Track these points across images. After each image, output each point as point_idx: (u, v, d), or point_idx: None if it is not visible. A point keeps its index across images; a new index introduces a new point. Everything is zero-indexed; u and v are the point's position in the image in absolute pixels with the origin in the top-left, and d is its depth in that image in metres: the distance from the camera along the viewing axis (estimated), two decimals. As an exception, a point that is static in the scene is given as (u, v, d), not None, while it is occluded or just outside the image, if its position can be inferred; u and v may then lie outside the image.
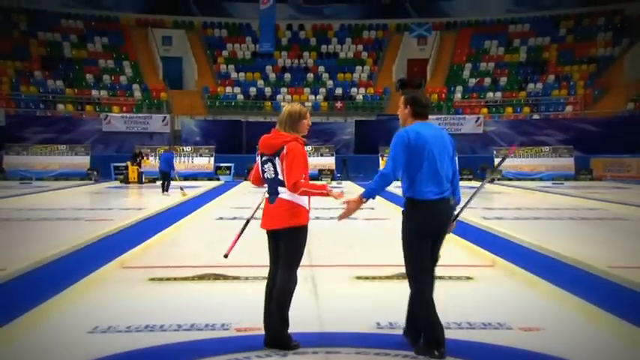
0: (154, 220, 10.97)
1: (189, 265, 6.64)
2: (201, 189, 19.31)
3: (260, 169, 4.02)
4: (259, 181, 4.10)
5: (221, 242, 8.49)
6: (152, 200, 16.47)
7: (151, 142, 29.56)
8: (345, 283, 5.78)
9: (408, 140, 3.68)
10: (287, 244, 3.89)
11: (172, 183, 18.28)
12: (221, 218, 11.45)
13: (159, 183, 23.91)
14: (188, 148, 27.62)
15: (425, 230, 3.70)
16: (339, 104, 33.57)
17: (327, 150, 28.09)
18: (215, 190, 19.76)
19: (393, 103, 33.03)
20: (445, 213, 3.73)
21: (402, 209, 3.87)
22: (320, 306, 4.91)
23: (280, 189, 3.90)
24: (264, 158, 3.98)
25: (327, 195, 3.91)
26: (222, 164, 27.61)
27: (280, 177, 3.87)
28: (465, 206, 3.92)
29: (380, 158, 26.94)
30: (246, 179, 25.63)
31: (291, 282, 3.88)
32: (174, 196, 16.69)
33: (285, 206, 3.86)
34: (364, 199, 3.74)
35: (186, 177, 19.32)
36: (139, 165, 23.83)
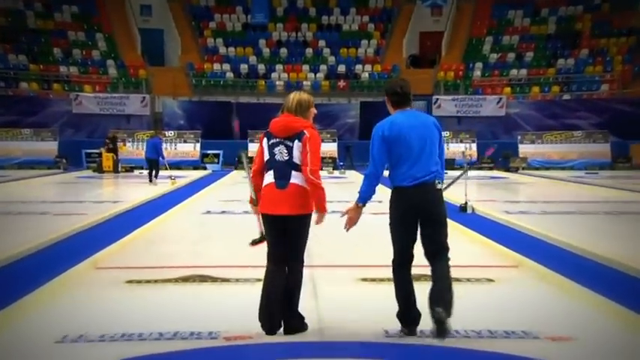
0: (132, 215, 10.97)
1: (171, 265, 6.64)
2: (185, 179, 19.31)
3: (267, 152, 4.40)
4: (262, 173, 4.46)
5: (208, 240, 8.51)
6: (130, 192, 16.46)
7: (128, 125, 29.54)
8: (349, 286, 5.77)
9: (382, 133, 4.22)
10: (299, 232, 4.32)
11: (161, 172, 18.41)
12: (208, 212, 11.46)
13: (138, 172, 24.07)
14: (170, 133, 27.62)
15: (404, 217, 4.22)
16: (342, 83, 33.52)
17: (329, 135, 28.08)
18: (201, 181, 19.77)
19: (403, 82, 32.91)
20: (424, 197, 4.19)
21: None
22: (320, 311, 4.91)
23: (294, 173, 4.30)
24: (274, 141, 4.38)
25: (325, 211, 4.40)
26: (209, 151, 27.63)
27: (295, 160, 4.30)
28: (446, 187, 4.55)
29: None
30: (237, 168, 25.64)
31: (301, 273, 4.38)
32: (160, 187, 16.70)
33: (299, 192, 4.29)
34: (360, 205, 4.34)
35: (169, 166, 19.48)
36: (114, 152, 23.84)
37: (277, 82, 33.48)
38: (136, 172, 24.54)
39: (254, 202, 4.57)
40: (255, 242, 4.68)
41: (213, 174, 23.85)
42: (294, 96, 4.51)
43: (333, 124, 30.39)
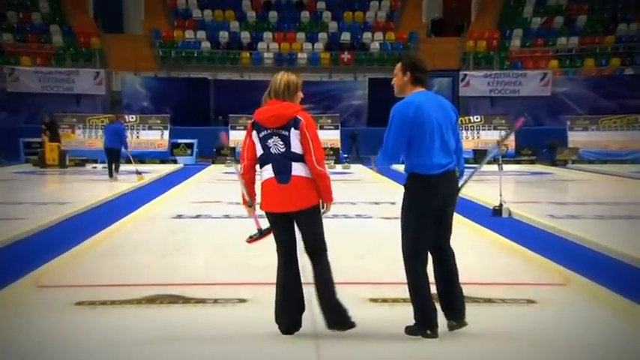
0: (84, 220, 10.98)
1: (133, 282, 6.65)
2: (151, 176, 19.33)
3: (260, 145, 4.86)
4: (253, 169, 4.96)
5: (179, 251, 8.53)
6: (80, 191, 16.46)
7: (77, 108, 29.62)
8: (355, 308, 5.79)
9: (407, 115, 4.67)
10: (312, 224, 4.87)
11: (125, 166, 18.70)
12: (179, 217, 11.49)
13: (91, 167, 24.06)
14: (132, 118, 27.69)
15: (428, 208, 4.74)
16: (346, 56, 33.58)
17: (330, 121, 28.17)
18: (171, 178, 19.80)
19: (422, 54, 32.96)
20: (449, 187, 4.81)
21: (404, 183, 4.88)
22: (319, 340, 4.92)
23: (294, 165, 4.79)
24: (265, 132, 4.83)
25: (331, 200, 4.95)
26: (180, 140, 27.68)
27: (295, 150, 4.78)
28: (466, 182, 5.09)
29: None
30: (215, 161, 25.63)
31: (328, 261, 4.94)
32: (121, 184, 16.73)
33: (303, 184, 4.80)
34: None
35: (127, 159, 19.53)
36: (56, 141, 23.83)
37: (265, 55, 33.52)
38: (89, 166, 24.56)
39: (248, 203, 5.05)
40: (252, 238, 5.14)
41: (186, 169, 23.87)
42: (281, 77, 4.89)
43: (335, 106, 30.48)
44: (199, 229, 10.47)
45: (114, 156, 18.58)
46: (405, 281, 4.92)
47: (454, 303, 4.89)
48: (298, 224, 4.91)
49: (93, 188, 16.44)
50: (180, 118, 28.83)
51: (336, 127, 28.14)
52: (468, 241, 9.04)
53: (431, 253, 4.89)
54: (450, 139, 4.81)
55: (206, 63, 33.42)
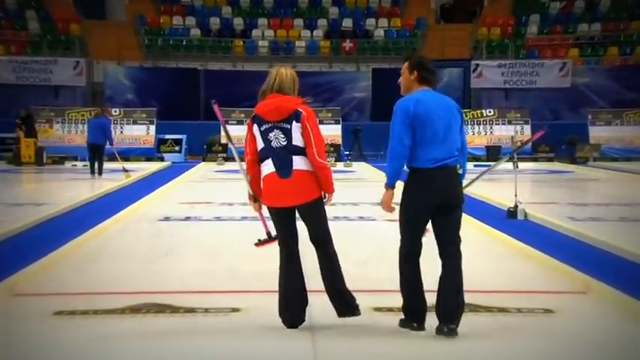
0: (63, 222, 10.99)
1: (116, 290, 6.66)
2: (136, 174, 19.33)
3: (261, 139, 5.28)
4: (257, 163, 5.36)
5: (167, 256, 8.53)
6: (59, 191, 16.45)
7: (55, 100, 29.59)
8: (358, 318, 5.79)
9: (408, 109, 5.13)
10: (316, 217, 5.33)
11: (109, 164, 18.69)
12: (167, 219, 11.50)
13: (71, 165, 24.04)
14: (115, 112, 27.65)
15: (423, 201, 5.13)
16: (348, 44, 33.59)
17: (330, 115, 28.15)
18: (157, 177, 19.80)
19: (431, 42, 33.02)
20: (446, 181, 5.14)
21: (404, 179, 5.29)
22: (318, 354, 4.94)
23: (295, 159, 5.21)
24: (266, 126, 5.25)
25: (333, 191, 5.37)
26: (167, 136, 27.67)
27: (296, 143, 5.21)
28: (473, 181, 5.72)
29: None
30: (205, 159, 25.64)
31: (334, 251, 5.39)
32: (104, 183, 16.73)
33: (305, 178, 5.24)
34: (390, 187, 5.21)
35: (111, 156, 19.56)
36: (33, 135, 23.83)
37: (260, 43, 33.52)
38: (68, 163, 24.57)
39: (254, 199, 5.47)
40: (261, 242, 5.59)
41: (174, 167, 23.87)
42: (278, 71, 5.35)
43: (335, 99, 30.44)
44: (188, 232, 10.48)
45: (97, 153, 18.60)
46: (425, 288, 5.16)
47: (449, 310, 5.12)
48: (302, 217, 5.34)
49: (73, 188, 16.43)
50: (168, 111, 28.82)
51: (337, 122, 28.03)
52: (480, 245, 9.04)
53: (439, 255, 5.24)
54: (452, 138, 5.23)
55: (196, 52, 33.40)
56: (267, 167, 5.29)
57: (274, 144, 5.25)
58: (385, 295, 6.29)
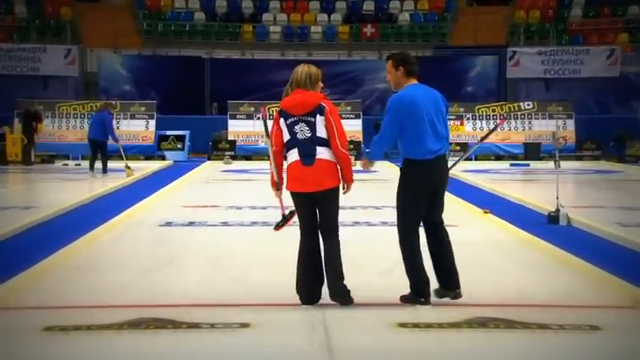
0: (53, 228, 11.00)
1: (112, 303, 6.66)
2: (134, 175, 19.35)
3: (287, 131, 6.38)
4: (282, 154, 6.49)
5: (169, 265, 8.55)
6: (49, 192, 16.43)
7: (44, 93, 29.66)
8: (380, 335, 5.79)
9: (403, 104, 6.29)
10: (330, 205, 6.39)
11: (114, 163, 18.85)
12: (168, 224, 11.51)
13: (62, 164, 24.09)
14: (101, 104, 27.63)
15: (422, 190, 6.33)
16: (369, 30, 33.52)
17: (350, 108, 28.08)
18: (158, 177, 19.81)
19: (462, 27, 32.91)
20: (441, 170, 6.41)
21: (400, 166, 6.49)
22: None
23: (319, 149, 6.32)
24: (292, 119, 6.37)
25: (352, 181, 6.48)
26: (169, 132, 27.67)
27: (320, 135, 6.32)
28: (454, 164, 6.97)
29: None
30: (211, 157, 25.64)
31: (339, 239, 6.45)
32: (106, 182, 16.74)
33: (326, 166, 6.35)
34: (371, 161, 6.94)
35: (112, 154, 19.76)
36: (33, 132, 23.97)
37: (271, 29, 33.51)
38: (59, 162, 24.65)
39: (277, 186, 6.50)
40: (279, 226, 6.65)
41: (176, 166, 23.89)
42: (302, 69, 6.44)
43: (355, 90, 30.40)
44: (192, 238, 10.46)
45: (97, 150, 18.83)
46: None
47: (450, 274, 6.32)
48: (318, 204, 6.38)
49: (64, 189, 16.45)
50: (169, 105, 28.87)
51: (357, 116, 27.88)
52: (517, 253, 9.01)
53: (426, 232, 6.45)
54: (440, 127, 6.36)
55: (200, 38, 33.45)
56: (293, 156, 6.37)
57: (300, 136, 6.33)
58: (412, 309, 6.29)
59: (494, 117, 27.48)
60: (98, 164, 18.91)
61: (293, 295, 6.29)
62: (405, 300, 6.35)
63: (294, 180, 6.40)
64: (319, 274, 6.36)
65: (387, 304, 6.58)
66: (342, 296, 6.31)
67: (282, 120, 6.43)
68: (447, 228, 6.51)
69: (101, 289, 7.36)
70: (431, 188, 6.36)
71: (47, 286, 7.47)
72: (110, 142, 19.01)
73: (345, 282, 6.35)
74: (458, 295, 6.31)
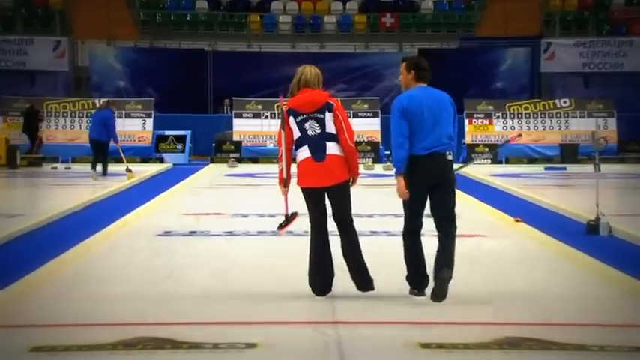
0: (41, 238, 11.03)
1: (106, 321, 6.66)
2: (128, 180, 19.41)
3: (297, 129, 7.09)
4: (291, 151, 7.21)
5: (168, 279, 8.56)
6: (38, 198, 16.49)
7: (31, 89, 29.75)
8: (401, 356, 5.79)
9: (402, 106, 7.02)
10: (343, 198, 7.11)
11: (114, 166, 19.03)
12: (167, 234, 11.53)
13: (50, 167, 24.16)
14: (102, 102, 27.77)
15: (418, 182, 6.97)
16: (388, 19, 33.53)
17: (367, 106, 28.00)
18: (155, 182, 19.83)
19: (491, 17, 32.86)
20: (436, 166, 7.03)
21: None
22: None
23: (329, 145, 7.04)
24: (302, 117, 7.10)
25: (359, 175, 7.31)
26: (168, 132, 27.72)
27: (329, 131, 7.06)
28: (465, 165, 8.34)
29: (466, 120, 26.71)
30: (214, 160, 25.69)
31: (355, 230, 7.23)
32: (104, 186, 16.79)
33: (337, 161, 7.06)
34: (400, 175, 6.95)
35: (113, 156, 20.11)
36: (32, 134, 24.07)
37: (281, 19, 33.55)
38: (47, 166, 24.73)
39: (285, 184, 7.16)
40: (282, 226, 7.33)
41: (176, 170, 23.93)
42: (311, 70, 7.20)
43: (373, 87, 30.37)
44: (194, 249, 10.47)
45: (99, 150, 19.12)
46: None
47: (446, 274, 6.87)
48: (330, 197, 7.11)
49: (53, 196, 16.50)
50: (168, 102, 28.91)
51: (375, 115, 27.67)
52: (553, 266, 8.99)
53: (437, 230, 7.05)
54: (443, 128, 7.04)
55: (202, 29, 33.51)
56: (303, 152, 7.08)
57: (310, 132, 7.06)
58: (436, 327, 6.29)
59: (527, 116, 27.44)
60: (98, 165, 19.10)
61: (305, 312, 6.29)
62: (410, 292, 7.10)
63: (306, 176, 7.07)
64: (331, 268, 7.06)
65: (409, 322, 6.57)
66: (369, 286, 7.06)
67: (291, 118, 7.13)
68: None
69: (94, 305, 7.37)
70: (425, 183, 7.00)
71: (35, 302, 7.50)
72: (110, 142, 19.19)
73: (366, 266, 7.10)
74: (442, 276, 6.84)
